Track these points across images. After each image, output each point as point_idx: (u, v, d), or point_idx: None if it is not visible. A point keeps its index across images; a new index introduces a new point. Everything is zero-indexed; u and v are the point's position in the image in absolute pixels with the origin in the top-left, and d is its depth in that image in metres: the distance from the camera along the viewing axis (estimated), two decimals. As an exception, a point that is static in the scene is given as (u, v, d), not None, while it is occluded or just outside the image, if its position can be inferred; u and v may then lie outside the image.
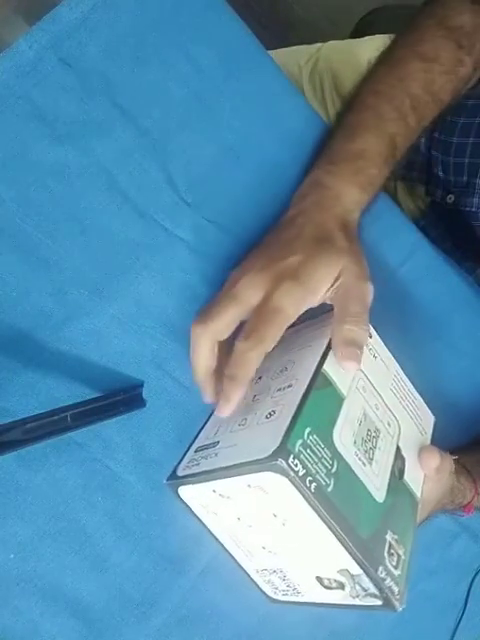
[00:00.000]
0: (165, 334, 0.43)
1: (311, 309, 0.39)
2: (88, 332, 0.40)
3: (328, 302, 0.40)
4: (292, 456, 0.28)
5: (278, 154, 0.47)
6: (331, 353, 0.36)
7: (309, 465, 0.29)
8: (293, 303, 0.36)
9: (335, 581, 0.33)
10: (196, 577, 0.46)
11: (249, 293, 0.37)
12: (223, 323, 0.37)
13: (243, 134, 0.45)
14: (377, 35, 0.70)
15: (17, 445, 0.36)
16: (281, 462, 0.28)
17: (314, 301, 0.38)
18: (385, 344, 0.42)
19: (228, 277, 0.40)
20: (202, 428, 0.38)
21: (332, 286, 0.38)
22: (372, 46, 0.51)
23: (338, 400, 0.34)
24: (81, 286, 0.40)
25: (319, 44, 0.75)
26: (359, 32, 0.91)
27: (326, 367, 0.35)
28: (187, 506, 0.35)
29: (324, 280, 0.38)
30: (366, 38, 0.73)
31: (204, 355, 0.38)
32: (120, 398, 0.40)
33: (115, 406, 0.40)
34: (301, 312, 0.37)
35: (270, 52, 0.48)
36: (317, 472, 0.29)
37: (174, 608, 0.45)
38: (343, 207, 0.42)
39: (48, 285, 0.39)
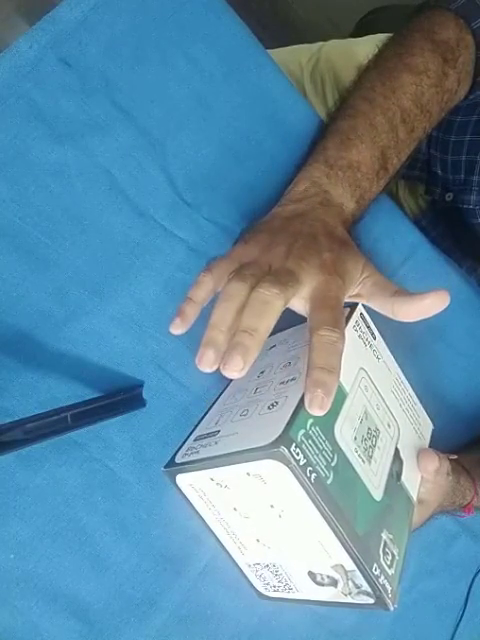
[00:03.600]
0: (165, 334, 0.43)
1: None
2: (88, 332, 0.40)
3: (355, 299, 0.40)
4: (294, 445, 0.28)
5: (278, 154, 0.47)
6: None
7: (310, 455, 0.29)
8: (344, 296, 0.37)
9: (328, 577, 0.33)
10: (196, 577, 0.46)
11: (304, 275, 0.35)
12: (293, 292, 0.34)
13: (243, 134, 0.45)
14: (378, 34, 0.70)
15: (17, 445, 0.36)
16: (283, 450, 0.28)
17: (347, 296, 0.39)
18: (385, 344, 0.42)
19: (236, 247, 0.39)
20: (201, 419, 0.38)
21: (359, 282, 0.39)
22: (373, 45, 0.51)
23: (341, 395, 0.34)
24: (81, 286, 0.40)
25: (320, 43, 0.75)
26: (360, 32, 0.91)
27: None
28: (183, 495, 0.35)
29: (355, 277, 0.38)
30: (368, 37, 0.73)
31: (275, 318, 0.33)
32: (120, 398, 0.40)
33: (115, 406, 0.40)
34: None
35: (271, 51, 0.48)
36: (317, 463, 0.29)
37: (174, 608, 0.45)
38: (345, 217, 0.43)
39: (48, 285, 0.39)
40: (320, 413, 0.30)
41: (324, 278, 0.36)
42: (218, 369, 0.32)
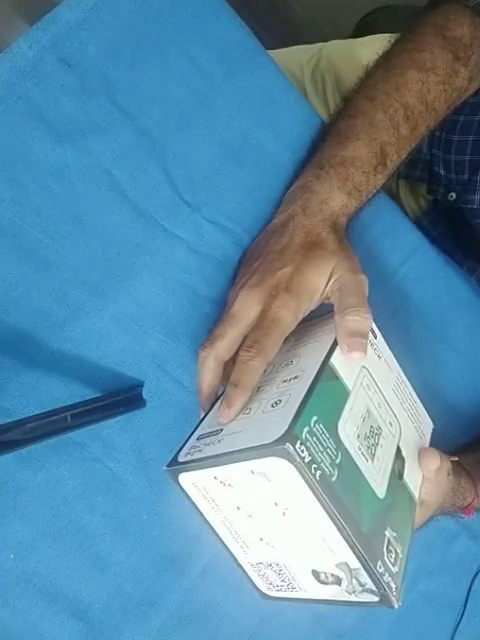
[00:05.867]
0: (165, 334, 0.43)
1: (316, 308, 0.40)
2: (88, 332, 0.40)
3: (327, 302, 0.40)
4: (299, 442, 0.28)
5: (278, 154, 0.47)
6: (338, 348, 0.36)
7: (315, 453, 0.29)
8: (289, 313, 0.38)
9: (332, 575, 0.33)
10: (196, 577, 0.46)
11: (246, 310, 0.39)
12: (225, 343, 0.38)
13: (243, 134, 0.45)
14: (379, 34, 0.70)
15: (17, 445, 0.36)
16: (288, 447, 0.28)
17: (310, 307, 0.40)
18: (387, 344, 0.42)
19: (228, 295, 0.42)
20: (203, 418, 0.38)
21: (327, 287, 0.40)
22: (374, 46, 0.51)
23: (344, 394, 0.34)
24: (81, 286, 0.40)
25: (321, 43, 0.75)
26: (360, 32, 0.91)
27: (333, 360, 0.35)
28: (186, 494, 0.35)
29: (316, 286, 0.39)
30: (368, 37, 0.73)
31: (209, 376, 0.39)
32: (120, 398, 0.40)
33: (115, 406, 0.40)
34: (299, 320, 0.39)
35: (271, 52, 0.48)
36: (322, 461, 0.29)
37: (174, 608, 0.45)
38: (331, 211, 0.43)
39: (48, 285, 0.39)
40: (223, 422, 0.34)
41: (267, 303, 0.38)
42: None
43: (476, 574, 0.63)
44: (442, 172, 0.60)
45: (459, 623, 0.62)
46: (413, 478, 0.39)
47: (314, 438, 0.30)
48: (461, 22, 0.49)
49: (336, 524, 0.30)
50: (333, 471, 0.30)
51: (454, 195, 0.60)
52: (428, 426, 0.45)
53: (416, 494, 0.39)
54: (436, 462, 0.41)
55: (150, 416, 0.43)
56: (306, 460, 0.28)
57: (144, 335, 0.42)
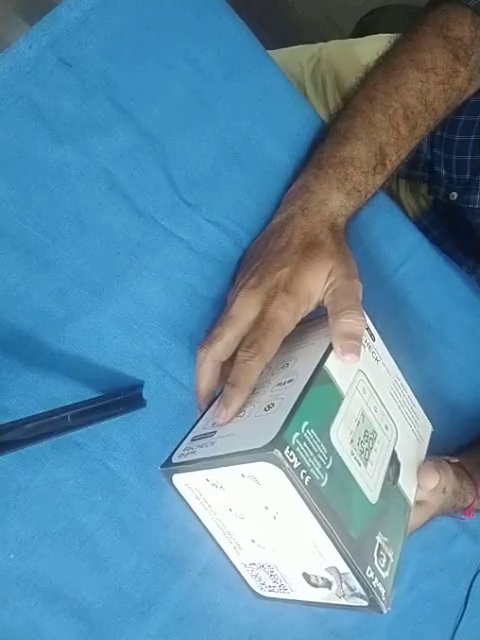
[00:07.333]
0: (165, 334, 0.43)
1: (312, 311, 0.40)
2: (88, 332, 0.40)
3: (323, 304, 0.40)
4: (288, 448, 0.28)
5: (278, 154, 0.47)
6: (333, 352, 0.36)
7: (304, 458, 0.29)
8: (288, 314, 0.38)
9: (322, 579, 0.33)
10: (196, 577, 0.46)
11: (245, 311, 0.39)
12: (223, 344, 0.39)
13: (243, 134, 0.45)
14: (379, 34, 0.70)
15: (17, 445, 0.36)
16: (277, 453, 0.28)
17: (308, 308, 0.40)
18: (385, 344, 0.42)
19: (228, 296, 0.42)
20: (199, 419, 0.38)
21: (323, 289, 0.40)
22: (374, 46, 0.51)
23: (337, 398, 0.34)
24: (81, 286, 0.40)
25: (321, 43, 0.75)
26: (360, 32, 0.91)
27: (327, 364, 0.35)
28: (180, 495, 0.35)
29: (314, 287, 0.39)
30: (368, 37, 0.73)
31: (207, 376, 0.39)
32: (120, 398, 0.40)
33: (115, 406, 0.40)
34: (297, 321, 0.39)
35: (271, 52, 0.48)
36: (312, 466, 0.29)
37: (174, 608, 0.45)
38: (330, 211, 0.43)
39: (48, 285, 0.39)
40: (220, 422, 0.34)
41: (266, 304, 0.39)
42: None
43: (476, 574, 0.63)
44: (443, 172, 0.60)
45: (459, 623, 0.62)
46: (409, 482, 0.39)
47: (304, 443, 0.30)
48: (461, 22, 0.49)
49: (325, 529, 0.30)
50: (323, 476, 0.30)
51: (455, 195, 0.60)
52: (427, 430, 0.45)
53: (411, 498, 0.39)
54: (434, 482, 0.40)
55: (150, 416, 0.43)
56: (295, 466, 0.28)
57: (144, 335, 0.42)
